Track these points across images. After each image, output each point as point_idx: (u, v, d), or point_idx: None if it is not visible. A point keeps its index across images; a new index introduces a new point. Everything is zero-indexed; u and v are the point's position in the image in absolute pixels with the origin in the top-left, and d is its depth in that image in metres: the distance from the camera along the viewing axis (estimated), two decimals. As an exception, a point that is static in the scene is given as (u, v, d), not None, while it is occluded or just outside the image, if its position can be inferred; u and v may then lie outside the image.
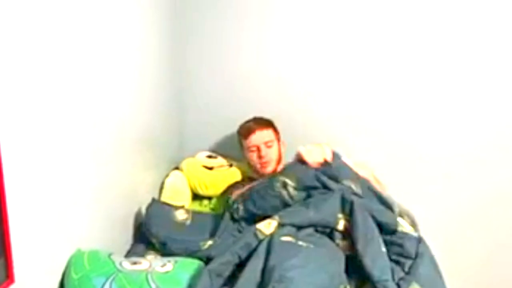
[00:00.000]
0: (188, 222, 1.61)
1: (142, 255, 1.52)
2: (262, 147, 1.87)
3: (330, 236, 1.40)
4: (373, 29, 2.02)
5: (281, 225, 1.38)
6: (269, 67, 2.13)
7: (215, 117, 2.19)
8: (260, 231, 1.36)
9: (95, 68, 1.36)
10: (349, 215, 1.39)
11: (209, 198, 2.03)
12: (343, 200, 1.43)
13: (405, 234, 1.35)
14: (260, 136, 1.89)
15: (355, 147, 2.09)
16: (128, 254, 1.57)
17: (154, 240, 1.55)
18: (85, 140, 1.32)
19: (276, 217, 1.41)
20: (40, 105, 1.08)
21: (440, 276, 1.24)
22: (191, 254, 1.44)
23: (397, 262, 1.27)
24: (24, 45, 1.01)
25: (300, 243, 1.29)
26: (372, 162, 1.95)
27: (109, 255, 1.25)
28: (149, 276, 1.18)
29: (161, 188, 1.95)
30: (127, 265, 1.23)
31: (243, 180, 1.98)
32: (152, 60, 1.86)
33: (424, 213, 1.86)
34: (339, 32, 2.04)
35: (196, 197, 2.05)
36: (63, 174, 1.21)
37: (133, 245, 1.64)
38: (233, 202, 1.64)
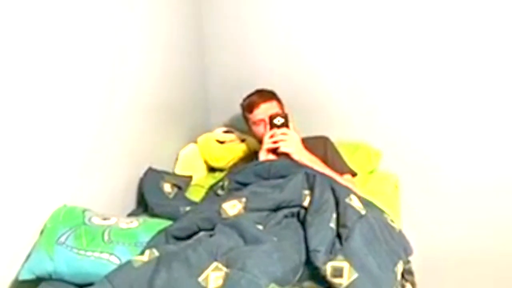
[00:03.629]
0: (171, 196, 1.72)
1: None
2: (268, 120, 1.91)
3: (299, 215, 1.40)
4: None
5: (247, 210, 1.39)
6: (293, 44, 2.14)
7: (239, 94, 2.27)
8: (224, 210, 1.38)
9: (118, 37, 1.62)
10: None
11: (222, 170, 2.14)
12: (308, 176, 1.43)
13: (349, 205, 1.31)
14: (265, 109, 1.89)
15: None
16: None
17: (148, 205, 1.69)
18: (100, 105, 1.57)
19: (243, 199, 1.41)
20: (56, 63, 1.36)
21: (374, 255, 1.18)
22: (172, 218, 1.54)
23: (338, 236, 1.26)
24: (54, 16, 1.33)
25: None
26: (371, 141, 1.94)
27: (84, 210, 1.37)
28: (106, 230, 1.29)
29: (176, 159, 2.11)
30: (96, 220, 1.34)
31: (246, 156, 2.05)
32: (177, 42, 2.06)
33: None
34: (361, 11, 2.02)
35: (211, 169, 2.18)
36: (71, 136, 1.43)
37: (134, 210, 1.78)
38: (218, 181, 1.73)
